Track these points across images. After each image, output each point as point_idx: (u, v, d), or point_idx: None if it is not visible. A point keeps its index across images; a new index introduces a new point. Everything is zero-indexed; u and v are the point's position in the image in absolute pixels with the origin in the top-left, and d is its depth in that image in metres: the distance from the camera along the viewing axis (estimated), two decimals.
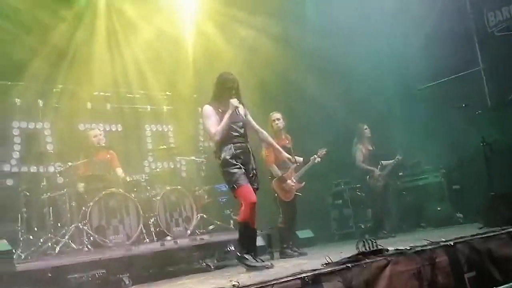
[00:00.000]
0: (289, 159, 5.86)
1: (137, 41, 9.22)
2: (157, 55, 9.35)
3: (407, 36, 10.02)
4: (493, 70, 9.44)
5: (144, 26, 9.21)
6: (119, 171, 7.68)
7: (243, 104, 5.69)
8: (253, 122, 5.92)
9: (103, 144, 7.81)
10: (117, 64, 9.05)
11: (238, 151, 5.50)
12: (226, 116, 5.48)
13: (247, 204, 5.40)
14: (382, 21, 10.51)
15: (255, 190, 5.59)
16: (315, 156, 7.47)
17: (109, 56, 8.93)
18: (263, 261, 5.54)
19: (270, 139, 6.16)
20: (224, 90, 5.59)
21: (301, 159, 7.50)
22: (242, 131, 5.63)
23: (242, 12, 9.87)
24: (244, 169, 5.49)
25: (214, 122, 5.52)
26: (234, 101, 5.51)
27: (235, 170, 5.43)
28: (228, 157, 5.45)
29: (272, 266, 5.39)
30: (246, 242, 5.50)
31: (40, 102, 8.02)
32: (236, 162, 5.45)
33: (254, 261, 5.40)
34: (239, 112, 5.60)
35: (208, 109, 5.61)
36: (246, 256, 5.40)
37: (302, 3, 10.16)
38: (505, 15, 9.38)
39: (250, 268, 5.33)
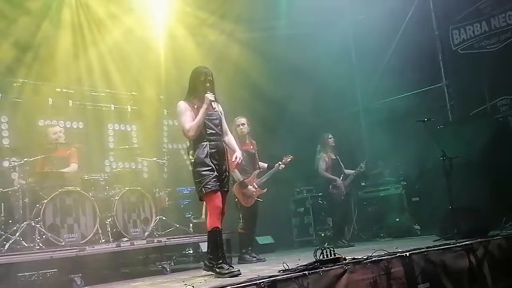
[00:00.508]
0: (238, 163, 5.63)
1: (105, 39, 9.02)
2: (124, 54, 9.19)
3: (373, 49, 10.19)
4: (455, 86, 9.70)
5: (112, 25, 9.04)
6: (73, 166, 7.48)
7: (217, 101, 5.41)
8: (224, 122, 5.60)
9: (63, 141, 7.61)
10: (82, 61, 8.83)
11: (213, 150, 5.23)
12: (202, 110, 5.20)
13: (212, 211, 5.16)
14: (350, 33, 10.68)
15: (225, 192, 5.37)
16: (279, 162, 7.47)
17: (75, 53, 8.71)
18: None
19: (235, 145, 5.69)
20: (198, 84, 5.33)
21: (266, 165, 7.50)
22: (218, 128, 5.36)
23: (213, 16, 9.83)
24: (217, 170, 5.21)
25: (188, 118, 5.24)
26: (209, 95, 5.22)
27: (206, 172, 5.14)
28: (201, 156, 5.18)
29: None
30: (217, 250, 5.16)
31: None
32: (210, 162, 5.18)
33: (231, 268, 5.04)
34: (215, 107, 5.36)
35: (182, 104, 5.33)
36: (223, 265, 5.05)
37: (273, 10, 10.18)
38: (469, 34, 9.65)
39: (227, 276, 4.90)
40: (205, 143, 5.22)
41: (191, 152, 5.30)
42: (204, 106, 5.21)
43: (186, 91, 5.47)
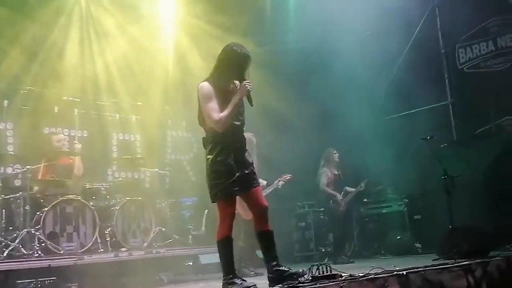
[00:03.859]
0: None
1: (111, 49, 9.13)
2: (130, 64, 9.28)
3: (380, 66, 10.18)
4: (460, 105, 9.66)
5: (119, 35, 9.15)
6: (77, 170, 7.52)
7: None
8: None
9: (66, 150, 7.67)
10: (88, 70, 8.94)
11: (236, 145, 4.49)
12: (234, 101, 4.39)
13: (224, 218, 4.46)
14: (356, 49, 10.69)
15: (255, 188, 4.59)
16: (279, 179, 7.48)
17: (81, 62, 8.82)
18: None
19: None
20: (233, 67, 4.48)
21: (265, 182, 7.49)
22: (242, 119, 4.58)
23: (219, 29, 9.88)
24: (239, 169, 4.46)
25: (215, 105, 4.37)
26: (248, 85, 4.44)
27: (226, 174, 4.38)
28: (222, 153, 4.38)
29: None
30: (226, 263, 4.52)
31: (5, 102, 7.85)
32: (231, 161, 4.41)
33: (244, 282, 4.48)
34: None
35: (207, 87, 4.42)
36: (234, 280, 4.46)
37: (280, 25, 10.23)
38: (475, 52, 9.63)
39: None
40: (228, 137, 4.44)
41: (208, 147, 4.49)
42: (237, 96, 4.42)
43: (212, 69, 4.58)
